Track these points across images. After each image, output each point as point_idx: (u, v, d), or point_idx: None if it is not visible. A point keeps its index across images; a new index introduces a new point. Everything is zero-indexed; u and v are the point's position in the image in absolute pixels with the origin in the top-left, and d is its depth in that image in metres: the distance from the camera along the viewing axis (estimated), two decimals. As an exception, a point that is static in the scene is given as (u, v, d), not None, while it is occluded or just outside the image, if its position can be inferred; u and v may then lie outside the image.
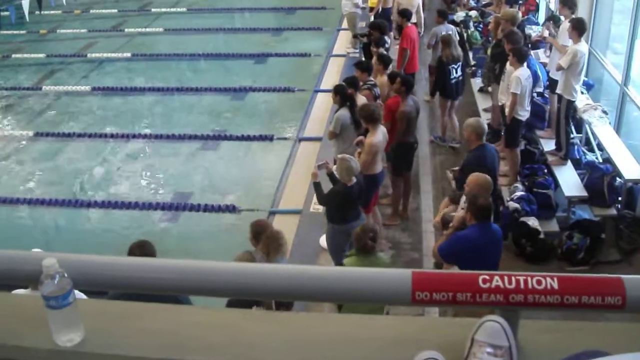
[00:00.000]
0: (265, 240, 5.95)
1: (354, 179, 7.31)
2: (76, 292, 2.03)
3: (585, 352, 1.30)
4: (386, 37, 11.71)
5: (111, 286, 2.30)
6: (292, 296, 2.46)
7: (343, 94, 8.91)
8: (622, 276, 1.93)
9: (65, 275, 1.97)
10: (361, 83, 9.52)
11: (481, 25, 14.43)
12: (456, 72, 11.07)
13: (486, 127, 8.06)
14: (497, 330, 1.86)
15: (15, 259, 2.17)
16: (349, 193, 7.36)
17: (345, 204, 7.44)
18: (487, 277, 1.90)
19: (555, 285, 1.88)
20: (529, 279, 1.90)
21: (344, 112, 8.74)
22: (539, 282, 1.89)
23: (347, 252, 6.74)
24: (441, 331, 2.10)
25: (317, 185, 7.58)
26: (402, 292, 1.93)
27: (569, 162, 9.67)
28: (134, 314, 2.22)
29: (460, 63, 11.20)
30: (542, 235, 8.63)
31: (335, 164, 9.00)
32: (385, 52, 10.60)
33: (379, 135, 8.23)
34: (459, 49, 11.42)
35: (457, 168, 8.53)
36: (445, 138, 11.35)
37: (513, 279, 1.90)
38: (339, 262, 7.13)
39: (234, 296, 2.19)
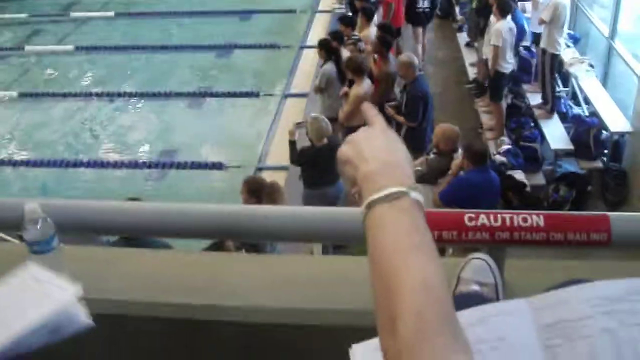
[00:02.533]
0: (268, 194, 5.94)
1: (325, 140, 7.20)
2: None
3: (571, 281, 1.30)
4: None
5: (95, 229, 2.28)
6: (274, 237, 2.45)
7: (328, 48, 8.86)
8: (608, 213, 1.94)
9: (48, 219, 1.95)
10: (346, 37, 9.45)
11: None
12: (423, 3, 11.84)
13: (417, 60, 8.47)
14: (483, 268, 1.86)
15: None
16: (318, 155, 7.21)
17: (315, 166, 7.31)
18: (472, 215, 1.90)
19: (541, 223, 1.88)
20: (515, 216, 1.89)
21: (330, 67, 8.68)
22: (524, 220, 1.89)
23: None
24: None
25: (291, 144, 7.49)
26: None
27: (556, 116, 9.69)
28: (117, 259, 2.22)
29: None
30: (528, 189, 8.67)
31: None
32: (368, 5, 10.52)
33: (365, 86, 8.20)
34: None
35: (393, 103, 8.53)
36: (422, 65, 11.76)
37: (499, 216, 1.90)
38: None
39: (220, 237, 2.18)
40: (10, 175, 10.06)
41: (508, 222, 1.89)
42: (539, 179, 9.05)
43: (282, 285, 2.04)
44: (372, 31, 9.92)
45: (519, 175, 8.77)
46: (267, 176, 8.51)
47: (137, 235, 2.18)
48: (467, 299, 1.64)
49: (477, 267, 1.86)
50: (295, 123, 7.76)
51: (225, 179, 9.13)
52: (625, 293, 1.14)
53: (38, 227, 1.94)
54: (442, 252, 5.06)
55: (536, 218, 1.89)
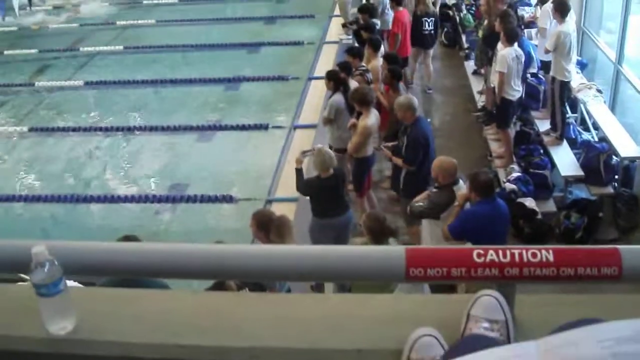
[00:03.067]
0: (277, 227, 5.93)
1: (331, 171, 7.20)
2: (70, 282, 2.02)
3: (582, 321, 1.28)
4: (375, 20, 11.70)
5: (102, 271, 2.28)
6: (285, 276, 2.44)
7: (336, 80, 8.89)
8: (618, 246, 1.91)
9: (56, 262, 1.94)
10: (354, 69, 9.50)
11: (473, 8, 14.37)
12: (428, 25, 12.19)
13: (416, 102, 8.15)
14: (493, 305, 1.84)
15: (5, 248, 2.15)
16: (323, 186, 7.24)
17: (320, 197, 7.33)
18: (481, 252, 1.88)
19: (551, 258, 1.86)
20: (524, 252, 1.87)
21: (338, 98, 8.71)
22: (534, 255, 1.87)
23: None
24: (437, 308, 2.08)
25: (298, 172, 7.49)
26: (396, 269, 1.91)
27: (565, 142, 9.66)
28: (124, 299, 2.20)
29: (433, 18, 12.32)
30: (539, 216, 8.64)
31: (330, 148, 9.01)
32: (375, 36, 10.57)
33: (372, 117, 8.21)
34: (432, 7, 12.48)
35: (391, 144, 8.46)
36: (412, 81, 12.47)
37: (508, 252, 1.88)
38: None
39: (227, 278, 2.16)
40: (20, 210, 10.09)
41: (517, 258, 1.87)
42: (550, 206, 9.01)
43: (290, 325, 2.02)
44: (379, 62, 9.97)
45: (529, 202, 8.74)
46: (277, 208, 8.52)
47: (144, 276, 2.16)
48: (477, 341, 1.62)
49: (487, 304, 1.84)
50: (302, 151, 7.76)
51: (235, 212, 9.13)
52: (634, 334, 1.12)
53: (45, 270, 1.94)
54: (452, 288, 5.05)
55: (545, 253, 1.87)
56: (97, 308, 2.15)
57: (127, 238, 5.29)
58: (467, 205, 6.33)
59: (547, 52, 9.56)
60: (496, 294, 1.86)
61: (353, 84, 9.08)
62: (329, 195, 7.28)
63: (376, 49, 10.19)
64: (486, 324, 1.82)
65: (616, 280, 1.87)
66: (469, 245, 6.01)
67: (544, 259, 1.86)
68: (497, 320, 1.82)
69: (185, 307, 2.16)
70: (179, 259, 2.04)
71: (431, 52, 12.68)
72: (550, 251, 1.88)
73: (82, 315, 2.05)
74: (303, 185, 7.45)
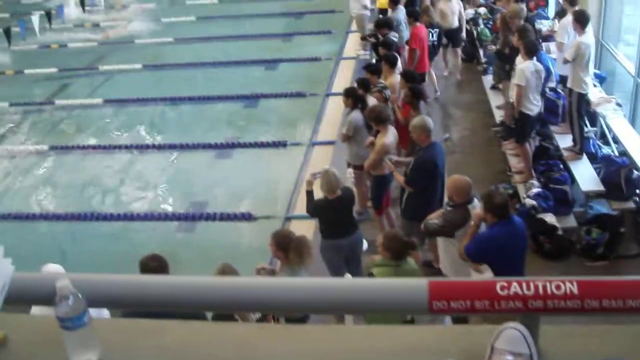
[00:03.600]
0: (296, 247, 5.93)
1: (339, 192, 7.17)
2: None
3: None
4: (394, 34, 11.72)
5: (128, 304, 2.29)
6: (308, 309, 2.44)
7: (354, 97, 8.90)
8: (644, 278, 1.90)
9: (79, 295, 1.96)
10: (372, 85, 9.50)
11: (490, 22, 14.35)
12: (432, 37, 12.41)
13: (432, 124, 7.85)
14: (517, 338, 1.83)
15: (29, 280, 2.16)
16: (330, 207, 7.20)
17: (327, 218, 7.31)
18: (504, 284, 1.87)
19: (575, 290, 1.85)
20: (548, 284, 1.86)
21: (356, 115, 8.72)
22: (558, 287, 1.86)
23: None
24: (460, 339, 2.07)
25: (308, 194, 7.46)
26: (419, 302, 1.91)
27: (585, 157, 9.58)
28: (148, 331, 2.21)
29: (437, 30, 12.60)
30: (560, 232, 8.56)
31: (348, 166, 9.01)
32: (391, 53, 10.57)
33: (390, 135, 8.19)
34: (434, 17, 12.84)
35: (403, 159, 8.41)
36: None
37: (532, 284, 1.87)
38: (335, 276, 7.02)
39: (251, 310, 2.16)
40: (40, 228, 10.17)
41: (541, 290, 1.86)
42: (571, 222, 8.93)
43: (314, 357, 2.02)
44: (396, 78, 9.97)
45: (549, 218, 8.67)
46: (296, 226, 8.54)
47: (166, 309, 2.16)
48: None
49: (511, 337, 1.83)
50: (311, 173, 7.74)
51: (254, 230, 9.14)
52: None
53: (69, 303, 1.95)
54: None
55: (570, 285, 1.86)
56: (120, 339, 2.16)
57: (154, 258, 5.32)
58: (483, 225, 6.26)
59: (565, 62, 9.50)
60: (520, 327, 1.85)
61: (371, 100, 9.08)
62: (335, 216, 7.24)
63: (392, 65, 10.18)
64: (510, 357, 1.81)
65: (642, 312, 1.85)
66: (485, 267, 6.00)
67: (568, 291, 1.85)
68: (521, 353, 1.81)
69: (206, 338, 2.16)
70: (202, 291, 2.04)
71: (430, 62, 12.67)
72: (575, 283, 1.87)
73: (105, 347, 2.06)
74: (312, 207, 7.44)
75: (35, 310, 2.71)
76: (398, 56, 10.73)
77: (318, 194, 7.37)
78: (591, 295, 1.85)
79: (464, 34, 13.85)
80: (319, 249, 7.29)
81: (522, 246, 6.31)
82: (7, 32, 15.16)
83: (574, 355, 1.89)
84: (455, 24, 13.37)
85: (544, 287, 1.86)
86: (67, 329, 1.97)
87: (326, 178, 7.15)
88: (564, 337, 2.03)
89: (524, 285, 1.87)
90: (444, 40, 13.27)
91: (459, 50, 13.96)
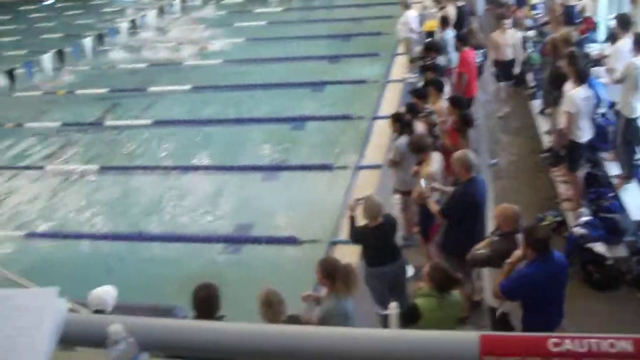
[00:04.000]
0: (343, 276, 5.92)
1: (380, 219, 7.09)
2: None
3: None
4: (441, 59, 11.70)
5: (180, 350, 2.31)
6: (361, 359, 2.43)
7: (401, 122, 8.89)
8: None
9: (131, 339, 1.98)
10: (419, 110, 9.49)
11: (539, 45, 14.22)
12: (479, 58, 12.56)
13: (474, 159, 7.61)
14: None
15: (82, 323, 2.20)
16: (371, 235, 7.14)
17: (369, 245, 7.25)
18: (557, 341, 1.85)
19: (630, 348, 1.82)
20: (602, 341, 1.83)
21: (404, 140, 8.70)
22: (611, 345, 1.83)
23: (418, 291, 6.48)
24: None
25: (351, 220, 7.38)
26: (469, 356, 1.89)
27: (636, 184, 9.42)
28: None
29: (483, 50, 12.91)
30: (609, 261, 8.41)
31: (395, 192, 8.98)
32: (437, 78, 10.54)
33: (434, 163, 8.13)
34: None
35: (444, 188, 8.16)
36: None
37: (585, 342, 1.84)
38: (380, 303, 6.99)
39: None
40: (89, 248, 10.33)
41: (595, 347, 1.83)
42: (621, 251, 8.75)
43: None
44: (444, 103, 9.94)
45: (598, 247, 8.52)
46: (340, 250, 8.53)
47: (222, 357, 2.18)
48: None
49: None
50: (355, 199, 7.72)
51: (299, 254, 9.16)
52: None
53: (121, 347, 1.98)
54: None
55: (624, 343, 1.83)
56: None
57: (206, 287, 5.38)
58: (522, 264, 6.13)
59: (616, 82, 9.38)
60: (573, 385, 1.82)
61: (418, 126, 9.06)
62: (377, 243, 7.18)
63: (440, 89, 10.16)
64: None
65: None
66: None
67: (622, 349, 1.82)
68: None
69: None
70: (258, 339, 2.05)
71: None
72: (631, 341, 1.83)
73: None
74: (353, 233, 7.42)
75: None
76: (445, 80, 10.71)
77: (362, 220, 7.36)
78: (647, 354, 1.81)
79: (517, 69, 13.25)
80: (363, 277, 7.27)
81: (561, 285, 6.10)
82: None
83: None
84: (509, 56, 13.04)
85: (598, 345, 1.83)
86: (119, 373, 2.00)
87: (368, 203, 7.14)
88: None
89: (577, 342, 1.84)
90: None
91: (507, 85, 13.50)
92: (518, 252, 6.09)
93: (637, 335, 1.87)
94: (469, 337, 1.92)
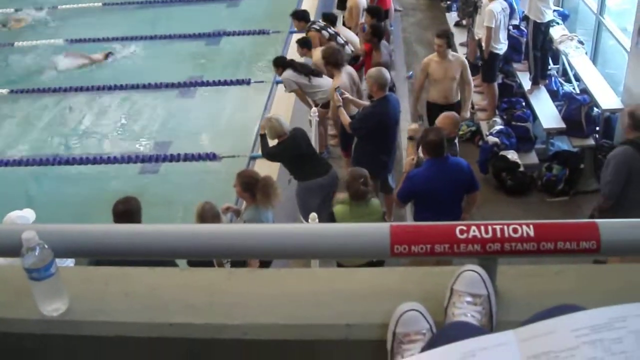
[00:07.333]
0: (262, 188, 5.97)
1: (287, 135, 7.15)
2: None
3: (560, 307, 1.33)
4: None
5: (93, 253, 2.31)
6: (270, 255, 2.48)
7: (283, 64, 8.91)
8: (597, 220, 1.97)
9: (46, 246, 1.97)
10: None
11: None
12: None
13: (389, 77, 7.76)
14: (476, 280, 1.89)
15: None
16: (280, 152, 7.24)
17: (291, 162, 7.32)
18: (464, 228, 1.93)
19: (532, 233, 1.91)
20: (505, 227, 1.92)
21: (288, 73, 8.70)
22: (515, 230, 1.92)
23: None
24: (422, 281, 2.14)
25: (262, 138, 7.44)
26: (381, 246, 1.96)
27: (547, 94, 9.71)
28: (116, 278, 2.24)
29: None
30: (521, 168, 8.73)
31: (315, 105, 8.99)
32: None
33: (344, 77, 8.10)
34: None
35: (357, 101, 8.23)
36: None
37: (490, 228, 1.93)
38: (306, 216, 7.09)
39: (216, 257, 2.21)
40: (3, 173, 10.01)
41: (499, 233, 1.92)
42: (532, 159, 9.10)
43: (279, 301, 2.08)
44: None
45: (512, 155, 8.82)
46: (260, 164, 8.53)
47: (134, 257, 2.19)
48: (458, 329, 1.67)
49: (470, 280, 1.90)
50: (266, 118, 7.69)
51: (219, 169, 9.13)
52: (610, 321, 1.17)
53: (36, 254, 1.97)
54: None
55: (526, 228, 1.92)
56: (89, 288, 2.19)
57: (125, 199, 5.34)
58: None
59: None
60: (478, 269, 1.91)
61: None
62: (296, 157, 7.24)
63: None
64: (469, 298, 1.87)
65: (595, 253, 1.93)
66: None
67: (525, 234, 1.91)
68: (479, 294, 1.88)
69: (175, 284, 2.20)
70: (169, 239, 2.07)
71: None
72: (531, 226, 1.93)
73: (74, 295, 2.09)
74: (266, 153, 7.45)
75: (1, 260, 2.72)
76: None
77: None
78: (546, 237, 1.91)
79: None
80: (285, 184, 7.35)
81: (456, 186, 6.20)
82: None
83: (530, 294, 1.97)
84: None
85: (502, 230, 1.92)
86: (34, 280, 1.99)
87: (270, 125, 7.15)
88: (520, 277, 2.11)
89: (482, 228, 1.92)
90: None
91: None
92: (410, 159, 6.27)
93: (537, 221, 1.97)
94: (379, 227, 1.99)
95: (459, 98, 8.69)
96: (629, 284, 2.06)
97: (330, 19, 10.07)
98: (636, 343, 1.14)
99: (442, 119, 6.93)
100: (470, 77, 8.71)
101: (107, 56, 12.99)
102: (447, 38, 8.58)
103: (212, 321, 2.03)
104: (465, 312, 1.84)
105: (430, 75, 8.62)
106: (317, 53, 9.04)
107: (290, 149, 7.17)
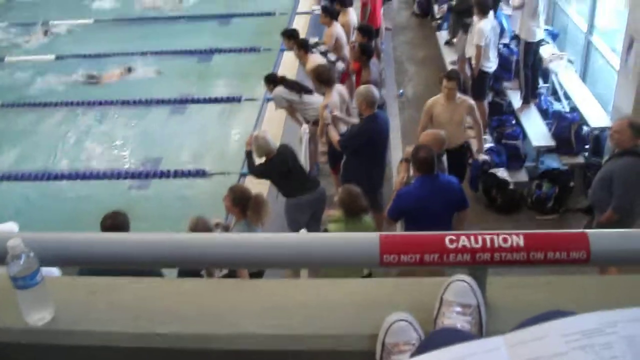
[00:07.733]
0: (254, 204, 5.95)
1: (274, 152, 7.13)
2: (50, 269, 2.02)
3: (549, 313, 1.32)
4: None
5: (80, 262, 2.29)
6: (261, 264, 2.46)
7: (274, 81, 8.90)
8: (587, 230, 1.96)
9: (32, 254, 1.95)
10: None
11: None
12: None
13: (377, 95, 7.62)
14: (465, 290, 1.88)
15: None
16: (267, 169, 7.23)
17: (278, 179, 7.30)
18: (453, 238, 1.92)
19: (521, 243, 1.91)
20: (495, 237, 1.91)
21: (279, 90, 8.70)
22: (505, 240, 1.91)
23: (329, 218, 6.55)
24: (411, 291, 2.13)
25: (248, 155, 7.42)
26: (370, 256, 1.94)
27: (537, 112, 9.77)
28: (103, 288, 2.22)
29: None
30: (511, 186, 8.74)
31: (307, 123, 8.99)
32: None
33: (334, 96, 8.09)
34: None
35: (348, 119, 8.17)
36: None
37: (479, 238, 1.92)
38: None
39: (205, 266, 2.19)
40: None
41: (489, 243, 1.91)
42: (522, 176, 9.11)
43: (269, 311, 2.06)
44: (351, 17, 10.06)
45: (501, 173, 8.84)
46: (251, 182, 8.51)
47: (122, 266, 2.17)
48: (448, 335, 1.66)
49: (459, 289, 1.89)
50: (252, 135, 7.67)
51: (209, 186, 9.12)
52: (601, 326, 1.16)
53: (21, 262, 1.95)
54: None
55: (516, 238, 1.91)
56: (74, 297, 2.16)
57: (113, 213, 5.31)
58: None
59: (515, 8, 9.70)
60: (468, 279, 1.90)
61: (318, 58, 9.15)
62: (285, 175, 7.21)
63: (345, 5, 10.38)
64: (458, 308, 1.86)
65: (585, 263, 1.92)
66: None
67: (515, 244, 1.91)
68: (469, 304, 1.87)
69: (162, 294, 2.18)
70: (155, 248, 2.05)
71: None
72: (521, 236, 1.92)
73: (60, 305, 2.07)
74: (253, 171, 7.45)
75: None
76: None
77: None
78: (536, 247, 1.90)
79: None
80: (279, 203, 7.34)
81: (446, 204, 6.16)
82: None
83: (519, 305, 1.96)
84: None
85: (492, 240, 1.91)
86: (19, 288, 1.97)
87: (257, 143, 7.14)
88: (510, 288, 2.10)
89: (472, 238, 1.92)
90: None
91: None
92: (400, 177, 6.27)
93: (527, 231, 1.96)
94: (369, 237, 1.98)
95: (462, 140, 8.31)
96: (620, 294, 2.05)
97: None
98: (627, 348, 1.12)
99: (424, 136, 6.92)
100: (479, 118, 8.36)
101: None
102: (458, 80, 8.16)
103: (201, 331, 2.01)
104: (455, 322, 1.83)
105: (434, 118, 8.00)
106: (310, 64, 9.09)
107: (277, 166, 7.16)
